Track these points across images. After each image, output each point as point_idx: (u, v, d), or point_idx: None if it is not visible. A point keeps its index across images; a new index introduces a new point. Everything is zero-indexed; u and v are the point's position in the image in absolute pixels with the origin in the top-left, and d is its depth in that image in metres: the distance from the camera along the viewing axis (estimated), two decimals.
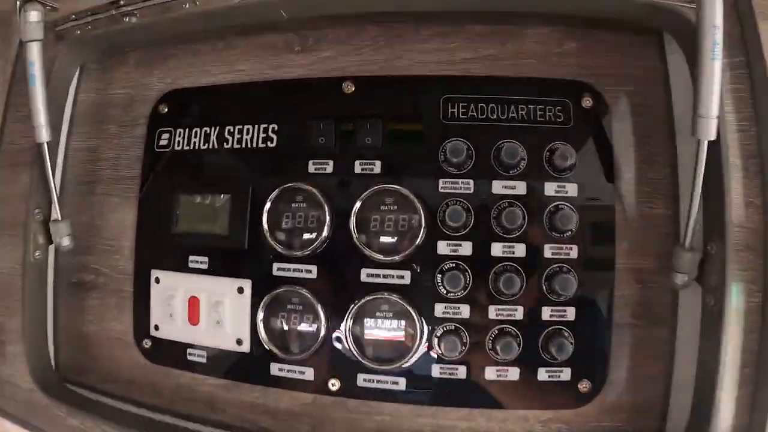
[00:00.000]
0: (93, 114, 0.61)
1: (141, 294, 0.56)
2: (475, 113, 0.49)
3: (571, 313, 0.48)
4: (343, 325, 0.49)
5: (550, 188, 0.48)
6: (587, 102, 0.49)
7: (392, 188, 0.48)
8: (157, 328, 0.56)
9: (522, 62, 0.50)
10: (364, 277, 0.49)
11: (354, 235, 0.48)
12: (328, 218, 0.49)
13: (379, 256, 0.48)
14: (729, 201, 0.41)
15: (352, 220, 0.48)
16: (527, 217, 0.47)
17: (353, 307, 0.49)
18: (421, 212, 0.48)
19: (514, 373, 0.48)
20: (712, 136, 0.40)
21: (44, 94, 0.53)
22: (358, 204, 0.48)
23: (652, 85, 0.50)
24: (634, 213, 0.49)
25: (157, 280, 0.55)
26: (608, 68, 0.50)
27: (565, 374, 0.48)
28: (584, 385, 0.48)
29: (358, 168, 0.50)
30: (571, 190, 0.48)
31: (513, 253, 0.48)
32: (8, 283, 0.59)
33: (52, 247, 0.60)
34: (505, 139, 0.48)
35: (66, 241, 0.57)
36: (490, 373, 0.48)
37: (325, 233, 0.49)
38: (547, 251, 0.48)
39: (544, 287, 0.48)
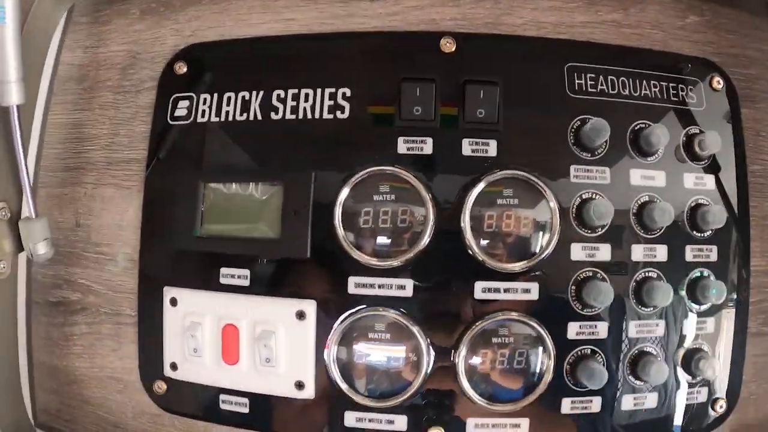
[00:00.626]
0: (80, 79, 0.31)
1: (150, 320, 0.28)
2: (605, 87, 0.27)
3: (710, 324, 0.28)
4: (450, 356, 0.25)
5: (689, 180, 0.27)
6: (718, 83, 0.29)
7: (516, 175, 0.25)
8: (174, 367, 0.27)
9: (647, 32, 0.29)
10: (478, 293, 0.25)
11: (466, 237, 0.25)
12: (430, 214, 0.25)
13: (500, 264, 0.25)
14: None
15: (464, 216, 0.25)
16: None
17: (465, 333, 0.25)
18: (555, 207, 0.25)
19: (652, 400, 0.27)
20: None
21: (17, 39, 0.24)
22: (473, 194, 0.24)
23: None
24: (764, 209, 0.30)
25: (174, 302, 0.27)
26: (731, 48, 0.30)
27: (702, 395, 0.28)
28: (720, 405, 0.28)
29: (467, 149, 0.26)
30: (710, 182, 0.28)
31: (655, 256, 0.26)
32: None
33: (23, 256, 0.30)
34: (640, 119, 0.27)
35: (42, 248, 0.27)
36: (628, 402, 0.27)
37: (426, 236, 0.25)
38: (689, 253, 0.27)
39: (686, 296, 0.27)
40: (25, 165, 0.27)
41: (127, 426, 0.30)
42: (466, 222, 0.25)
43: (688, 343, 0.27)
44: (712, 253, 0.28)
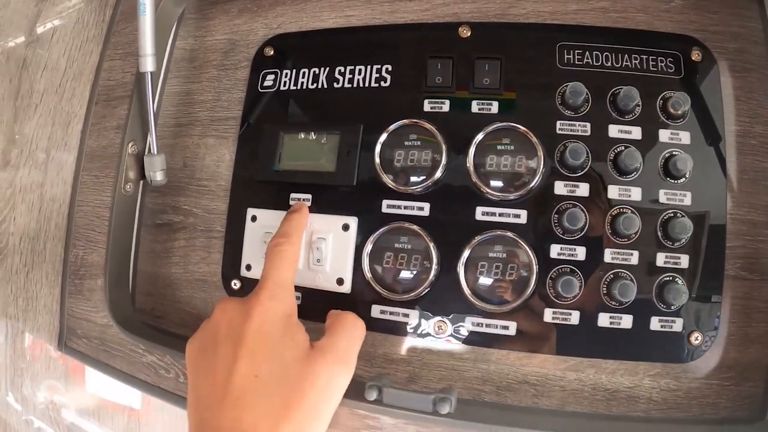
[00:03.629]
0: (190, 59, 0.56)
1: (234, 233, 0.50)
2: (590, 60, 0.45)
3: (684, 260, 0.43)
4: (455, 265, 0.43)
5: (664, 135, 0.44)
6: (696, 55, 0.46)
7: (510, 126, 0.44)
8: (249, 268, 0.49)
9: (631, 16, 0.47)
10: (479, 215, 0.44)
11: (470, 171, 0.44)
12: (444, 155, 0.44)
13: (496, 194, 0.43)
14: None
15: (470, 155, 0.44)
16: (643, 162, 0.43)
17: (467, 245, 0.43)
18: (540, 150, 0.43)
19: (627, 321, 0.43)
20: None
21: (153, 24, 0.48)
22: (478, 138, 0.44)
23: (754, 45, 0.46)
24: (742, 165, 0.45)
25: (254, 219, 0.49)
26: (713, 26, 0.47)
27: (677, 325, 0.43)
28: (696, 338, 0.43)
29: (475, 108, 0.45)
30: (684, 137, 0.44)
31: (629, 196, 0.43)
32: (94, 215, 0.53)
33: (141, 186, 0.54)
34: (619, 85, 0.44)
35: (159, 176, 0.51)
36: (604, 319, 0.43)
37: (440, 170, 0.44)
38: (662, 196, 0.43)
39: (659, 232, 0.43)
40: (153, 115, 0.51)
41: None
42: (470, 159, 0.44)
43: (661, 275, 0.43)
44: (686, 198, 0.44)
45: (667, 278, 0.43)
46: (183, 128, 0.55)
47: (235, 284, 0.50)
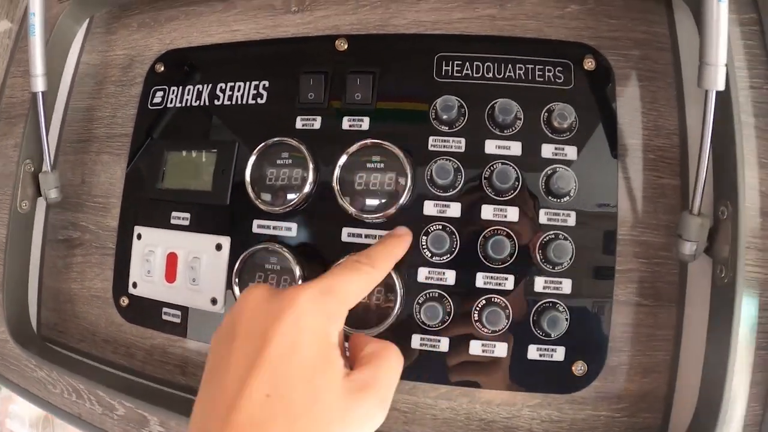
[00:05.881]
0: (94, 75, 0.60)
1: (123, 250, 0.53)
2: (469, 71, 0.45)
3: (567, 285, 0.42)
4: None
5: (547, 150, 0.43)
6: (589, 64, 0.45)
7: (378, 144, 0.44)
8: (135, 285, 0.52)
9: (521, 23, 0.46)
10: (345, 237, 0.45)
11: (337, 192, 0.45)
12: (311, 174, 0.45)
13: (362, 215, 0.44)
14: (741, 160, 0.36)
15: (336, 175, 0.45)
16: (521, 179, 0.43)
17: (333, 267, 0.44)
18: (408, 170, 0.44)
19: (501, 349, 0.43)
20: (721, 86, 0.36)
21: (43, 45, 0.52)
22: (342, 159, 0.45)
23: (659, 51, 0.45)
24: (638, 181, 0.44)
25: (139, 237, 0.52)
26: (612, 32, 0.46)
27: (558, 354, 0.43)
28: (579, 368, 0.42)
29: (346, 124, 0.46)
30: (570, 153, 0.44)
31: (505, 216, 0.43)
32: None
33: (41, 203, 0.58)
34: (499, 97, 0.44)
35: (53, 194, 0.55)
36: (476, 347, 0.43)
37: (307, 189, 0.45)
38: (542, 217, 0.43)
39: (537, 255, 0.43)
40: (46, 134, 0.54)
41: (100, 333, 0.55)
42: (336, 179, 0.45)
43: (539, 301, 0.42)
44: (570, 218, 0.43)
45: (547, 304, 0.43)
46: (83, 144, 0.58)
47: (124, 301, 0.53)
